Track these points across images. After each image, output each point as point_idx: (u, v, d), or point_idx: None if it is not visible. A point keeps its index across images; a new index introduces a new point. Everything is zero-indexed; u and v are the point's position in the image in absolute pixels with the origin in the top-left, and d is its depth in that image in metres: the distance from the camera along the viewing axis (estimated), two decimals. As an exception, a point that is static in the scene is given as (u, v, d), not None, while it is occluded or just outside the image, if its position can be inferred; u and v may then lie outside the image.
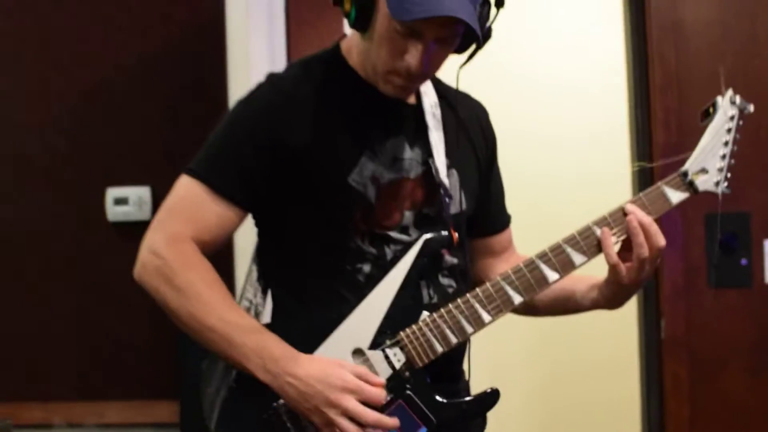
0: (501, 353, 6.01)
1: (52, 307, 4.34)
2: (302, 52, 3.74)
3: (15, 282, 4.37)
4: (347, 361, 2.18)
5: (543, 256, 2.26)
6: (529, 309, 2.48)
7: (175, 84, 4.26)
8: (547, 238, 2.32)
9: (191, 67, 4.25)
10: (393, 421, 2.14)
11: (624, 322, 4.92)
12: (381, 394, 2.13)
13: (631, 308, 4.55)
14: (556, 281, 2.27)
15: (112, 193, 4.27)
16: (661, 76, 4.20)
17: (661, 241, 2.28)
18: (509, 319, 5.64)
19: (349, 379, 2.10)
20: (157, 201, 4.15)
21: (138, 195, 4.25)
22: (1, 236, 4.38)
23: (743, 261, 4.19)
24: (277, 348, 2.14)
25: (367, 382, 2.13)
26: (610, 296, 2.38)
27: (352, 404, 2.08)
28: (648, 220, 2.28)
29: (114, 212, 4.26)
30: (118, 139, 4.31)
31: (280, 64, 3.70)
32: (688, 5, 4.22)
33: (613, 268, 2.29)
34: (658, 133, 4.17)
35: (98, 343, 4.32)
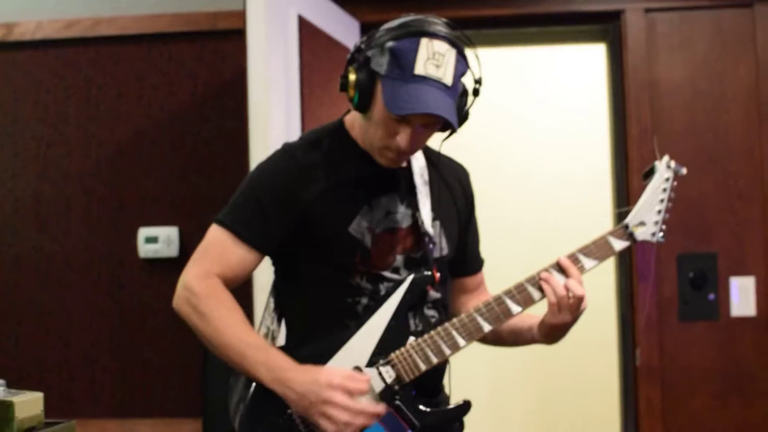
0: (498, 381, 6.27)
1: (89, 333, 4.67)
2: (313, 110, 4.09)
3: (58, 311, 4.69)
4: None
5: (508, 293, 2.64)
6: (496, 339, 2.85)
7: (201, 136, 4.62)
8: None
9: (215, 121, 4.60)
10: (376, 408, 2.53)
11: (606, 351, 5.25)
12: (364, 387, 2.51)
13: (611, 337, 4.90)
14: (518, 313, 2.65)
15: (144, 232, 4.60)
16: (637, 129, 4.55)
17: (579, 292, 2.61)
18: (507, 351, 5.91)
19: (334, 380, 2.49)
20: (183, 240, 4.55)
21: (167, 234, 4.58)
22: (45, 270, 4.70)
23: (711, 296, 4.50)
24: (280, 360, 2.54)
25: (351, 379, 2.51)
26: (546, 333, 2.74)
27: (339, 398, 2.47)
28: (574, 273, 2.64)
29: (145, 249, 4.59)
30: (149, 184, 4.65)
31: (294, 120, 3.97)
32: (662, 67, 4.55)
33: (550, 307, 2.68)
34: (634, 180, 4.51)
35: (130, 366, 4.64)
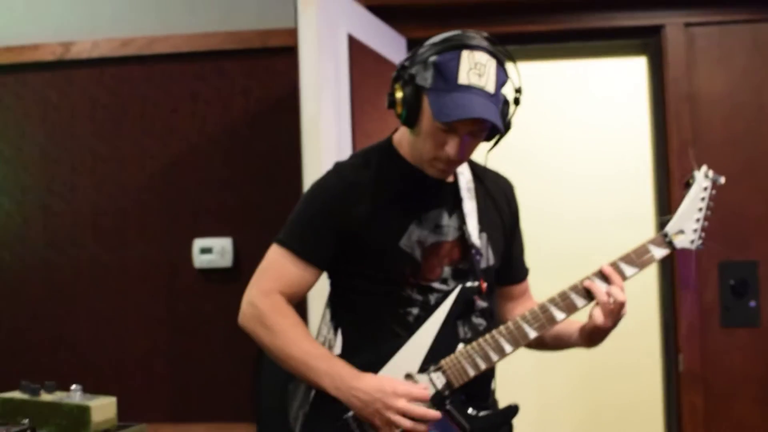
0: (546, 392, 6.34)
1: (145, 341, 4.79)
2: (364, 125, 4.20)
3: (114, 319, 4.82)
4: None
5: (552, 301, 2.76)
6: (539, 344, 2.95)
7: (253, 150, 4.73)
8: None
9: (267, 136, 4.71)
10: (435, 414, 2.66)
11: (649, 358, 5.33)
12: (424, 393, 2.65)
13: (654, 345, 4.98)
14: (563, 320, 2.78)
15: (199, 243, 4.72)
16: (677, 141, 4.63)
17: (619, 298, 2.73)
18: (554, 362, 5.95)
19: (398, 387, 2.63)
20: (237, 250, 4.68)
21: (221, 245, 4.69)
22: (103, 280, 4.83)
23: (752, 303, 4.57)
24: (343, 369, 2.68)
25: (411, 394, 2.64)
26: (587, 337, 2.87)
27: (402, 404, 2.62)
28: (605, 289, 2.75)
29: (200, 260, 4.71)
30: (203, 196, 4.77)
31: (345, 134, 4.07)
32: (702, 80, 4.64)
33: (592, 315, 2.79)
34: (675, 190, 4.59)
35: (184, 372, 4.77)
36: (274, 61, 4.71)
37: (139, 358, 4.80)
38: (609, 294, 2.75)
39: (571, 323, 2.91)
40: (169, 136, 4.82)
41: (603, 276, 2.78)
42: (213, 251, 4.70)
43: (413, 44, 4.51)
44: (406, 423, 2.64)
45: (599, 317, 2.77)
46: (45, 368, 4.47)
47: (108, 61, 4.88)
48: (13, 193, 4.94)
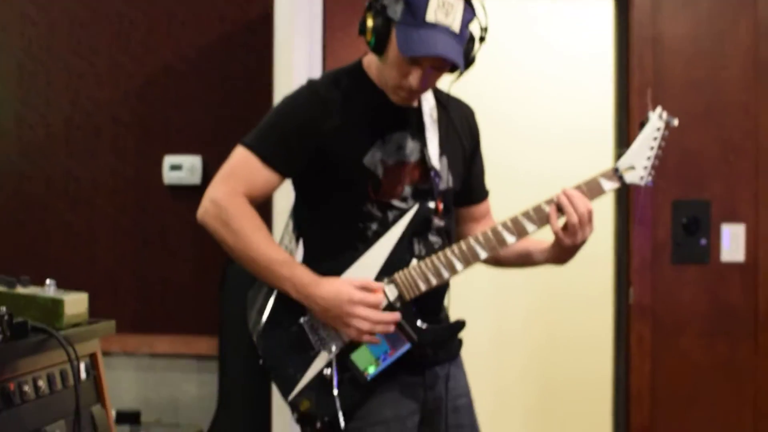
0: (502, 319, 6.47)
1: (114, 254, 4.88)
2: (335, 50, 4.28)
3: (84, 232, 4.90)
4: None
5: (504, 224, 2.89)
6: (497, 262, 3.13)
7: (226, 72, 4.79)
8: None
9: (240, 58, 4.77)
10: (393, 316, 2.80)
11: (601, 290, 5.44)
12: (379, 298, 2.80)
13: (607, 278, 5.10)
14: (513, 243, 2.91)
15: (169, 160, 4.79)
16: (639, 81, 4.70)
17: (582, 207, 2.86)
18: (510, 290, 6.04)
19: (354, 294, 2.77)
20: (206, 168, 4.76)
21: (191, 162, 4.76)
22: (74, 194, 4.90)
23: (702, 241, 4.68)
24: (304, 276, 2.82)
25: (367, 288, 2.79)
26: (556, 255, 3.01)
27: (359, 310, 2.76)
28: (576, 193, 2.89)
29: (169, 176, 4.78)
30: (175, 114, 4.84)
31: (316, 59, 4.17)
32: (666, 23, 4.71)
33: (555, 234, 2.92)
34: (634, 129, 4.46)
35: (151, 285, 4.86)
36: (249, -16, 4.76)
37: (108, 271, 4.88)
38: (573, 205, 2.87)
39: (538, 242, 3.06)
40: (144, 54, 4.87)
41: (557, 206, 2.91)
42: (183, 168, 4.76)
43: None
44: (365, 325, 2.78)
45: (574, 232, 2.89)
46: (18, 272, 4.56)
47: (86, -23, 4.91)
48: (-12, 104, 4.98)
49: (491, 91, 6.00)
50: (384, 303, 2.83)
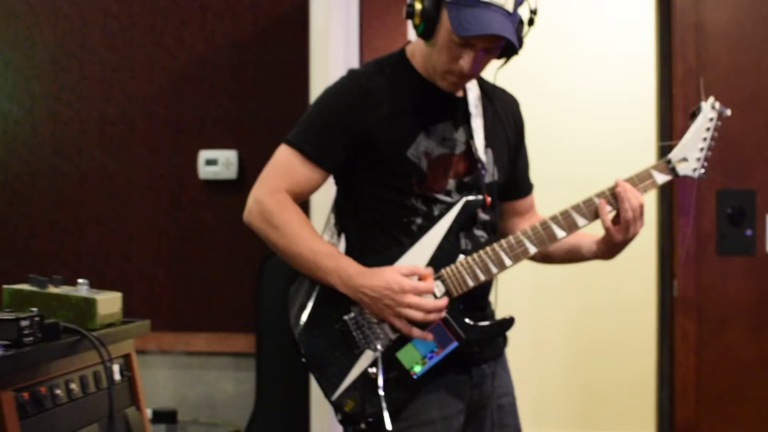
0: (542, 320, 6.49)
1: (149, 250, 4.86)
2: (371, 40, 4.24)
3: (119, 227, 4.88)
4: None
5: (554, 218, 2.83)
6: (545, 258, 3.05)
7: (261, 64, 4.75)
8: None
9: (275, 50, 4.72)
10: (444, 302, 2.73)
11: (644, 284, 5.38)
12: (430, 285, 2.73)
13: (650, 270, 5.03)
14: (563, 238, 2.84)
15: (204, 155, 4.76)
16: (682, 70, 4.63)
17: (635, 201, 2.80)
18: (550, 290, 6.05)
19: (404, 283, 2.70)
20: (242, 163, 4.72)
21: (226, 157, 4.73)
22: (109, 189, 4.88)
23: (748, 232, 4.60)
24: (351, 267, 2.75)
25: (416, 273, 2.73)
26: (606, 250, 2.93)
27: (411, 299, 2.69)
28: (629, 187, 2.82)
29: (205, 171, 4.75)
30: (210, 109, 4.80)
31: (353, 50, 4.13)
32: (709, 9, 4.62)
33: (607, 230, 2.85)
34: (678, 118, 4.59)
35: (187, 281, 4.83)
36: (284, -25, 4.72)
37: (143, 268, 4.86)
38: (627, 200, 2.81)
39: (586, 236, 2.98)
40: (177, 48, 4.84)
41: (613, 196, 2.84)
42: (218, 163, 4.73)
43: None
44: (417, 315, 2.71)
45: (628, 227, 2.83)
46: (51, 271, 4.55)
47: (119, -30, 4.88)
48: (22, 100, 4.96)
49: (534, 75, 5.97)
50: (438, 291, 2.77)
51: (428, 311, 2.72)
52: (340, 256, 2.81)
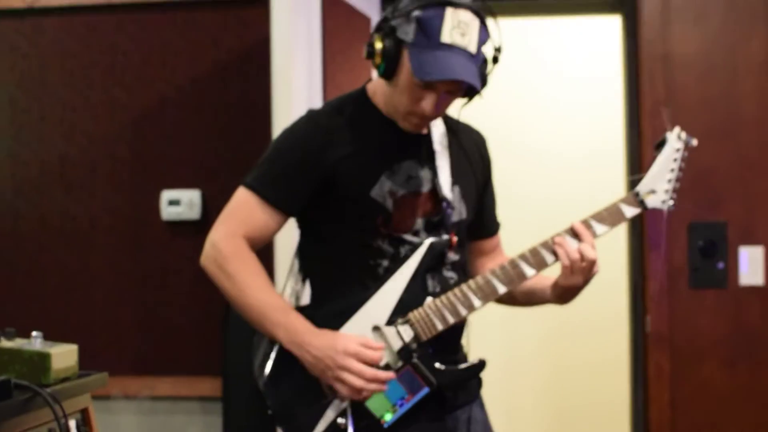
0: (514, 350, 6.42)
1: (112, 293, 4.74)
2: (335, 77, 4.18)
3: (81, 269, 4.77)
4: (368, 335, 2.69)
5: (522, 257, 2.75)
6: (510, 300, 2.95)
7: (223, 102, 4.67)
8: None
9: (237, 88, 4.65)
10: (387, 375, 2.65)
11: (616, 319, 5.33)
12: (377, 355, 2.64)
13: (621, 306, 4.98)
14: (533, 276, 2.77)
15: (167, 195, 4.67)
16: (650, 101, 4.61)
17: (574, 253, 2.73)
18: (522, 319, 6.03)
19: (350, 346, 2.62)
20: (205, 203, 4.63)
21: (189, 197, 4.64)
22: (70, 231, 4.77)
23: (720, 265, 4.56)
24: (299, 323, 2.67)
25: (367, 346, 2.64)
26: (559, 293, 2.85)
27: (352, 364, 2.61)
28: (563, 240, 2.75)
29: (168, 212, 4.66)
30: (172, 148, 4.71)
31: (316, 86, 4.06)
32: (677, 40, 4.60)
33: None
34: (647, 151, 4.54)
35: (151, 325, 4.73)
36: (245, 11, 4.64)
37: (105, 310, 4.77)
38: (580, 251, 2.74)
39: (543, 279, 2.90)
40: (138, 86, 4.76)
41: (574, 233, 2.77)
42: (181, 203, 4.65)
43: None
44: (357, 382, 2.63)
45: (570, 275, 2.75)
46: (8, 317, 4.43)
47: (78, 9, 4.80)
48: (-20, 141, 4.88)
49: (499, 115, 5.92)
50: (398, 347, 2.68)
51: (368, 380, 2.64)
52: (290, 312, 2.73)
